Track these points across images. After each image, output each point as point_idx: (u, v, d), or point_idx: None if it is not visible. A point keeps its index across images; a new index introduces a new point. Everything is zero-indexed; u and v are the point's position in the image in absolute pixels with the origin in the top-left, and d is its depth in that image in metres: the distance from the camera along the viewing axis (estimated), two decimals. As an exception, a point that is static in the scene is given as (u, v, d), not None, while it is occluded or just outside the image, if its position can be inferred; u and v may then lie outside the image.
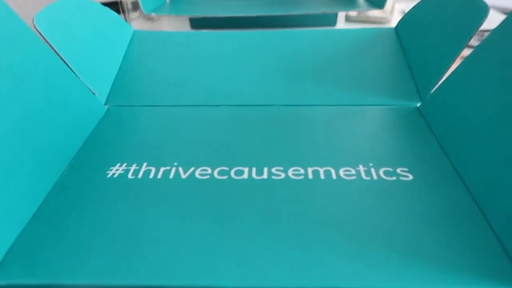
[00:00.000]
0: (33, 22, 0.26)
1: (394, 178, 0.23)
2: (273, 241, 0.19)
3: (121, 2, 0.55)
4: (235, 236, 0.20)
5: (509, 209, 0.19)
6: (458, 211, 0.21)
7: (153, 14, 0.53)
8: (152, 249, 0.19)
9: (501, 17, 0.25)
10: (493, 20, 0.26)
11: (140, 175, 0.24)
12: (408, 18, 0.36)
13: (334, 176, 0.23)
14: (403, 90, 0.31)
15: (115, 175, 0.24)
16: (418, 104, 0.30)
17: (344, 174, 0.23)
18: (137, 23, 0.59)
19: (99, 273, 0.18)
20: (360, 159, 0.24)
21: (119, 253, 0.19)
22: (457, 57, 0.27)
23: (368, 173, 0.23)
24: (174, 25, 0.60)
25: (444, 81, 0.27)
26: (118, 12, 0.54)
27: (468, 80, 0.25)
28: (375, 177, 0.23)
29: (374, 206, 0.21)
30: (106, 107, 0.31)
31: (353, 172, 0.23)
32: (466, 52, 0.27)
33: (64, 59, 0.28)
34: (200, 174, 0.24)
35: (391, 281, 0.17)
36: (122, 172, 0.24)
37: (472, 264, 0.18)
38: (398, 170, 0.23)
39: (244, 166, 0.24)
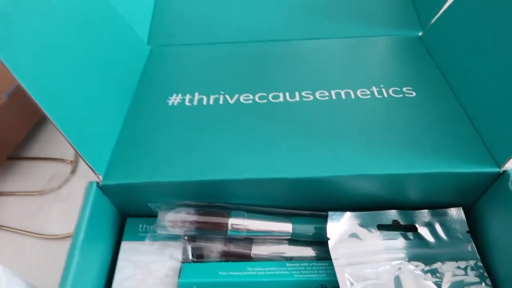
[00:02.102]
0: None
1: (401, 95, 0.29)
2: (309, 145, 0.25)
3: None
4: (280, 144, 0.26)
5: (491, 113, 0.25)
6: (450, 117, 0.27)
7: None
8: (219, 157, 0.25)
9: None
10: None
11: (195, 103, 0.29)
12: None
13: (353, 96, 0.29)
14: (406, 21, 0.35)
15: (175, 103, 0.29)
16: (420, 33, 0.34)
17: (361, 94, 0.29)
18: None
19: (183, 173, 0.24)
20: (373, 81, 0.30)
21: (194, 160, 0.25)
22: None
23: (380, 92, 0.29)
24: None
25: (444, 12, 0.32)
26: None
27: (466, 11, 0.30)
28: (385, 95, 0.29)
29: (386, 117, 0.27)
30: (149, 47, 0.35)
31: (368, 92, 0.29)
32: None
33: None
34: (244, 100, 0.29)
35: (401, 167, 0.24)
36: (180, 101, 0.29)
37: (461, 152, 0.24)
38: (404, 89, 0.29)
39: (279, 91, 0.29)
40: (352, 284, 0.22)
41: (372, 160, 0.24)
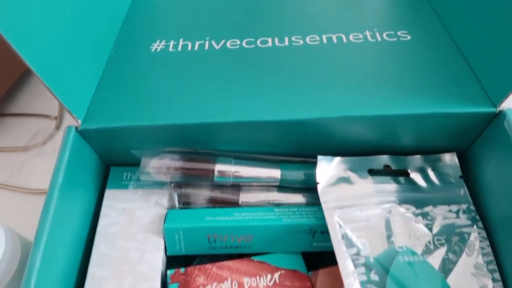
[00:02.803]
0: None
1: (395, 39, 0.27)
2: (298, 88, 0.24)
3: None
4: (268, 87, 0.24)
5: (488, 53, 0.24)
6: (446, 59, 0.25)
7: None
8: (204, 101, 0.24)
9: None
10: None
11: (179, 49, 0.28)
12: None
13: (345, 40, 0.27)
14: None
15: (158, 50, 0.28)
16: (417, -22, 0.33)
17: (353, 38, 0.27)
18: None
19: (166, 117, 0.23)
20: (366, 26, 0.28)
21: (178, 104, 0.24)
22: None
23: (373, 36, 0.28)
24: None
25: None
26: None
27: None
28: (379, 39, 0.27)
29: (379, 61, 0.26)
30: (132, -5, 0.33)
31: (361, 36, 0.28)
32: None
33: None
34: (231, 45, 0.28)
35: (393, 108, 0.23)
36: (163, 47, 0.28)
37: (456, 93, 0.23)
38: (399, 33, 0.28)
39: (268, 36, 0.28)
40: (341, 226, 0.22)
41: (363, 102, 0.23)
